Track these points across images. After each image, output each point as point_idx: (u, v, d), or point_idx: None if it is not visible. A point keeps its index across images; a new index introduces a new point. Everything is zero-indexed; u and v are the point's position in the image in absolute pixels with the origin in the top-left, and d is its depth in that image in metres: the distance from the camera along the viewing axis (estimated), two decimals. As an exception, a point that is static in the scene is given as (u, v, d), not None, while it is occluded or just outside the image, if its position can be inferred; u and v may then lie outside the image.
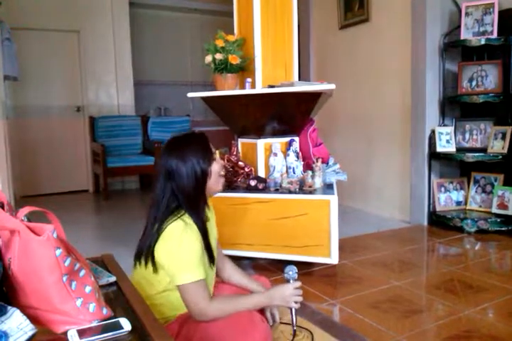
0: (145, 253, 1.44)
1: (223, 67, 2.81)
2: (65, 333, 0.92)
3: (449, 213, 3.67)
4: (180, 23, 6.72)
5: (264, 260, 2.90)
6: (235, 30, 3.05)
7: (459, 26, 3.59)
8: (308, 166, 2.99)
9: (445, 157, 3.65)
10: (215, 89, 2.91)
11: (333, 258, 2.62)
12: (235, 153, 2.96)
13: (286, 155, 2.96)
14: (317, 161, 2.88)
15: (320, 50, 5.01)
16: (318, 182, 2.82)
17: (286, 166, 2.94)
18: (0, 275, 0.93)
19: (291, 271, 1.62)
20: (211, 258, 1.52)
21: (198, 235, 1.44)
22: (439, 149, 3.65)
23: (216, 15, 6.65)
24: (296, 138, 3.04)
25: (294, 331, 1.67)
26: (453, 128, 3.72)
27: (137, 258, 1.48)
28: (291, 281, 1.61)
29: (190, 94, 2.98)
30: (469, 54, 3.71)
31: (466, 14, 3.55)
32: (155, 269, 1.43)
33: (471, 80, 3.62)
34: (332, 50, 4.81)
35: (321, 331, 2.00)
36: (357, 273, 2.76)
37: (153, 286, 1.46)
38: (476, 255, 3.13)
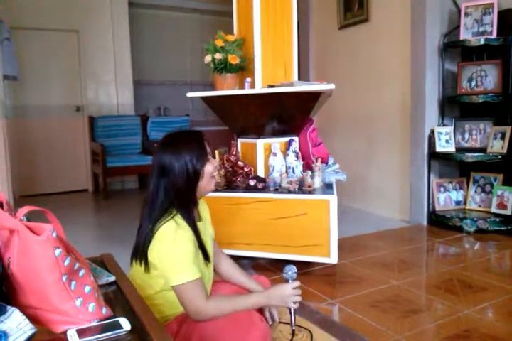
0: (139, 254, 1.44)
1: (223, 66, 2.81)
2: (65, 333, 0.92)
3: (449, 213, 3.68)
4: (180, 22, 6.72)
5: (264, 260, 2.91)
6: (235, 30, 3.05)
7: (459, 26, 3.59)
8: (307, 166, 2.99)
9: (444, 157, 3.65)
10: (214, 88, 2.91)
11: (333, 258, 2.62)
12: (234, 152, 2.96)
13: (285, 155, 2.96)
14: (316, 161, 2.88)
15: (319, 50, 5.01)
16: (317, 182, 2.82)
17: (286, 166, 2.94)
18: (-1, 274, 0.93)
19: (291, 271, 1.61)
20: (206, 257, 1.52)
21: (190, 235, 1.43)
22: (438, 149, 3.65)
23: (216, 15, 6.65)
24: (296, 138, 3.04)
25: (293, 330, 1.67)
26: (452, 128, 3.72)
27: (134, 256, 1.48)
28: (290, 281, 1.60)
29: (189, 94, 2.98)
30: (469, 54, 3.72)
31: (466, 14, 3.55)
32: (147, 269, 1.43)
33: (470, 80, 3.62)
34: (332, 50, 4.81)
35: (320, 330, 2.00)
36: (356, 272, 2.76)
37: (151, 286, 1.45)
38: (475, 255, 3.13)
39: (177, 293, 1.40)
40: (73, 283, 0.94)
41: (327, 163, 3.14)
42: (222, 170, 2.91)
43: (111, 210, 4.72)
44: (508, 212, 3.43)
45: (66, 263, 0.93)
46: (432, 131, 3.71)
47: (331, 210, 2.58)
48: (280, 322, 1.91)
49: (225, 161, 2.97)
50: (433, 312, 2.22)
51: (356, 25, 4.40)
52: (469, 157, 3.49)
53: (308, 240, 2.64)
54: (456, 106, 3.85)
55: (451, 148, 3.67)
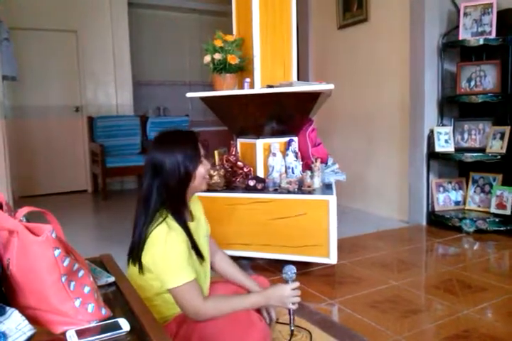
0: (133, 257, 1.44)
1: (222, 67, 2.82)
2: (64, 333, 0.92)
3: (448, 213, 3.68)
4: (179, 23, 6.72)
5: (263, 260, 2.91)
6: (234, 30, 3.05)
7: (458, 26, 3.59)
8: (307, 166, 2.99)
9: (444, 157, 3.65)
10: (213, 89, 2.91)
11: (332, 258, 2.62)
12: (233, 153, 2.96)
13: (285, 155, 2.96)
14: (316, 161, 2.88)
15: (319, 50, 5.02)
16: (317, 182, 2.82)
17: (285, 166, 2.94)
18: (-2, 275, 0.93)
19: (290, 271, 1.60)
20: (200, 256, 1.51)
21: (183, 236, 1.42)
22: (437, 149, 3.66)
23: (215, 15, 6.66)
24: (295, 138, 3.04)
25: (292, 331, 1.67)
26: (451, 128, 3.73)
27: (130, 258, 1.48)
28: (290, 282, 1.59)
29: (189, 94, 2.98)
30: (468, 54, 3.72)
31: (465, 14, 3.55)
32: (141, 272, 1.42)
33: (469, 80, 3.62)
34: (331, 50, 4.81)
35: (319, 331, 2.00)
36: (356, 273, 2.76)
37: (148, 289, 1.44)
38: (474, 255, 3.13)
39: (174, 296, 1.39)
40: (72, 283, 0.94)
41: (326, 163, 3.14)
42: (222, 170, 2.91)
43: (110, 211, 4.72)
44: (507, 212, 3.43)
45: (65, 263, 0.93)
46: (431, 131, 3.72)
47: (331, 210, 2.58)
48: (279, 323, 1.92)
49: (224, 161, 2.97)
50: (432, 312, 2.22)
51: (355, 25, 4.40)
52: (468, 157, 3.49)
53: (308, 240, 2.64)
54: (456, 106, 3.86)
55: (450, 148, 3.67)
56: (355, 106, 4.50)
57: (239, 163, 2.93)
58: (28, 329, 0.87)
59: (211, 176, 2.81)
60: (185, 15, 6.75)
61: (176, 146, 1.46)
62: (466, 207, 3.76)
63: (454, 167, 3.94)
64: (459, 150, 3.66)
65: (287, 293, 1.55)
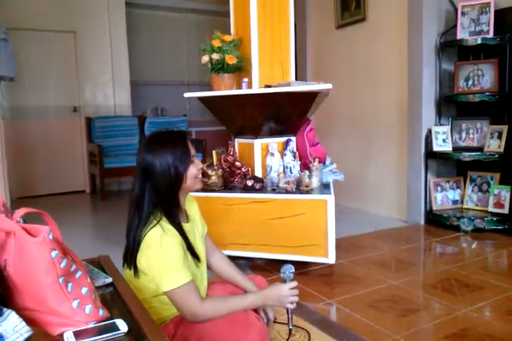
0: (128, 260, 1.43)
1: (220, 67, 2.82)
2: (61, 335, 0.92)
3: (446, 212, 3.68)
4: (177, 23, 6.72)
5: (261, 260, 2.91)
6: (232, 30, 3.04)
7: (455, 26, 3.59)
8: (305, 166, 2.99)
9: (441, 156, 3.66)
10: (211, 89, 2.91)
11: (330, 258, 2.62)
12: (231, 153, 2.96)
13: (283, 155, 2.96)
14: (314, 161, 2.88)
15: (317, 50, 5.02)
16: (315, 182, 2.82)
17: (283, 166, 2.94)
18: (-4, 277, 0.93)
19: (288, 271, 1.59)
20: (196, 257, 1.51)
21: (178, 238, 1.41)
22: (435, 148, 3.66)
23: (213, 15, 6.66)
24: (293, 138, 3.03)
25: (290, 330, 1.66)
26: (449, 127, 3.73)
27: (125, 261, 1.47)
28: (288, 281, 1.58)
29: (186, 94, 2.98)
30: (465, 53, 3.72)
31: (463, 14, 3.56)
32: (136, 275, 1.41)
33: (467, 79, 3.63)
34: (329, 49, 4.81)
35: (318, 331, 2.00)
36: (354, 272, 2.76)
37: (144, 291, 1.44)
38: (472, 254, 3.14)
39: (170, 298, 1.39)
40: (70, 284, 0.94)
41: (324, 163, 3.14)
42: (220, 170, 2.91)
43: (108, 211, 4.72)
44: (505, 211, 3.44)
45: (62, 264, 0.92)
46: (429, 131, 3.72)
47: (329, 210, 2.58)
48: (277, 323, 1.92)
49: (222, 161, 2.97)
50: (430, 311, 2.22)
51: (353, 24, 4.40)
52: (466, 156, 3.49)
53: (306, 240, 2.64)
54: (453, 106, 3.86)
55: (448, 148, 3.67)
56: (353, 106, 4.50)
57: (237, 163, 2.93)
58: (25, 330, 0.87)
59: (209, 176, 2.81)
60: (182, 15, 6.75)
61: (166, 148, 1.45)
62: (464, 206, 3.77)
63: (451, 166, 3.94)
64: (457, 149, 3.67)
65: (285, 292, 1.54)
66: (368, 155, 4.37)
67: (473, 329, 2.01)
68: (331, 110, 4.59)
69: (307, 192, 2.71)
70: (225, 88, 2.86)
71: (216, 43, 2.81)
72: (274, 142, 2.95)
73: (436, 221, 3.68)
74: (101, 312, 0.98)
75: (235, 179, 2.93)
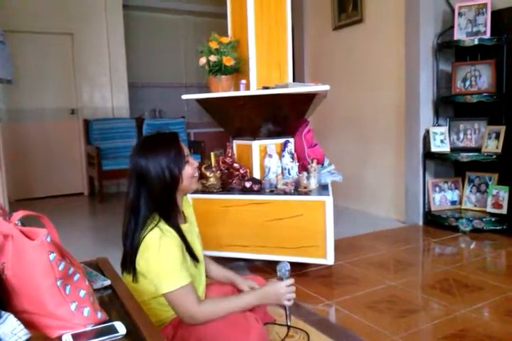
0: (127, 264, 1.43)
1: (217, 68, 2.82)
2: (60, 338, 0.92)
3: (444, 213, 3.69)
4: (175, 24, 6.72)
5: (260, 261, 2.91)
6: (229, 32, 3.05)
7: (453, 26, 3.60)
8: (303, 167, 2.99)
9: (439, 157, 3.66)
10: (209, 90, 2.91)
11: (329, 259, 2.62)
12: (230, 154, 2.96)
13: (281, 156, 2.96)
14: (312, 162, 2.88)
15: (314, 51, 5.02)
16: (313, 183, 2.82)
17: (282, 167, 2.94)
18: (-6, 280, 0.93)
19: (284, 269, 1.60)
20: (195, 258, 1.51)
21: (177, 240, 1.41)
22: (433, 149, 3.66)
23: (210, 17, 6.66)
24: (291, 140, 3.04)
25: (288, 327, 1.67)
26: (447, 128, 3.74)
27: (124, 266, 1.47)
28: (284, 279, 1.59)
29: (184, 96, 2.98)
30: (463, 54, 3.73)
31: (459, 14, 3.57)
32: (135, 279, 1.41)
33: (464, 80, 3.63)
34: (326, 51, 4.82)
35: (317, 332, 2.00)
36: (353, 273, 2.76)
37: (143, 294, 1.43)
38: (471, 254, 3.14)
39: (169, 300, 1.39)
40: (68, 287, 0.94)
41: (323, 164, 3.15)
42: (218, 172, 2.91)
43: (106, 213, 4.71)
44: (503, 212, 3.44)
45: (61, 267, 0.92)
46: (427, 131, 3.72)
47: (327, 211, 2.58)
48: (276, 324, 1.92)
49: (220, 163, 2.97)
50: (429, 312, 2.22)
51: (350, 26, 4.41)
52: (464, 157, 3.50)
53: (305, 241, 2.64)
54: (451, 106, 3.87)
55: (446, 148, 3.68)
56: (350, 107, 4.51)
57: (235, 165, 2.93)
58: (23, 333, 0.87)
59: (207, 178, 2.81)
60: (180, 17, 6.75)
61: (158, 151, 1.44)
62: (463, 207, 3.77)
63: (449, 167, 3.95)
64: (455, 150, 3.67)
65: (283, 290, 1.54)
66: (366, 156, 4.37)
67: (471, 330, 2.01)
68: (329, 111, 4.60)
69: (305, 194, 2.71)
70: (222, 90, 2.86)
71: (213, 45, 2.81)
72: (272, 143, 2.95)
73: (435, 221, 3.68)
74: (99, 314, 0.98)
75: (233, 180, 2.93)
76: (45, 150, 5.48)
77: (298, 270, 2.70)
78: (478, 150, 3.57)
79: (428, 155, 3.73)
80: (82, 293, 0.96)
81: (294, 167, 2.96)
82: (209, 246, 2.64)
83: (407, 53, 3.79)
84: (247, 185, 2.78)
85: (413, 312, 2.21)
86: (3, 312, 0.89)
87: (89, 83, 5.70)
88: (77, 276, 0.97)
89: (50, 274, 0.91)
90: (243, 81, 2.87)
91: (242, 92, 2.81)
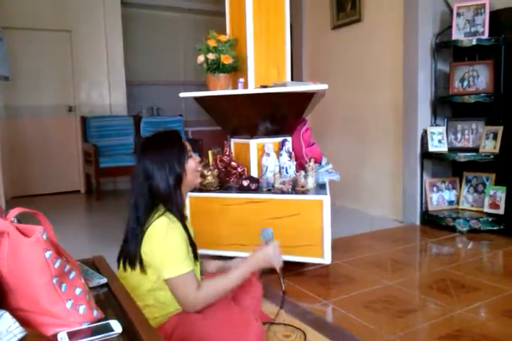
0: (133, 256, 1.43)
1: (216, 67, 2.81)
2: (55, 335, 0.91)
3: (442, 212, 3.69)
4: (173, 22, 6.71)
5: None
6: (227, 30, 3.04)
7: (451, 26, 3.60)
8: (300, 166, 2.99)
9: (437, 157, 3.67)
10: (207, 89, 2.90)
11: (326, 259, 2.62)
12: (227, 153, 2.95)
13: (278, 155, 2.95)
14: (310, 161, 2.88)
15: (312, 50, 5.02)
16: (310, 182, 2.82)
17: (279, 166, 2.94)
18: (-11, 277, 0.92)
19: (267, 233, 1.72)
20: (195, 256, 1.52)
21: (182, 231, 1.45)
22: (431, 149, 3.67)
23: (209, 15, 6.64)
24: (289, 138, 3.03)
25: (283, 292, 1.76)
26: (445, 128, 3.74)
27: (123, 260, 1.47)
28: (270, 242, 1.68)
29: (182, 94, 2.97)
30: (461, 54, 3.73)
31: (458, 15, 3.57)
32: (142, 270, 1.42)
33: (462, 80, 3.64)
34: (324, 50, 4.81)
35: (313, 331, 2.00)
36: (350, 273, 2.76)
37: (141, 284, 1.44)
38: (468, 254, 3.14)
39: (170, 286, 1.41)
40: (64, 285, 0.93)
41: (320, 163, 3.15)
42: (216, 170, 2.90)
43: (103, 211, 4.70)
44: (500, 212, 3.45)
45: (56, 265, 0.92)
46: (425, 131, 3.73)
47: (325, 210, 2.58)
48: (274, 323, 1.93)
49: (218, 161, 2.96)
50: (426, 312, 2.23)
51: (349, 25, 4.41)
52: (462, 157, 3.50)
53: (302, 240, 2.64)
54: (449, 106, 3.87)
55: (443, 148, 3.68)
56: (348, 107, 4.50)
57: (233, 163, 2.92)
58: (18, 331, 0.87)
59: (205, 176, 2.80)
60: (178, 14, 6.73)
61: (162, 146, 1.49)
62: (460, 207, 3.78)
63: (447, 167, 3.95)
64: (453, 150, 3.68)
65: (271, 251, 1.63)
66: (364, 155, 4.37)
67: (468, 330, 2.01)
68: (327, 110, 4.60)
69: (303, 193, 2.71)
70: (220, 88, 2.85)
71: (212, 43, 2.80)
72: (270, 142, 2.95)
73: (432, 221, 3.69)
74: (95, 312, 0.97)
75: (230, 179, 2.92)
76: (42, 147, 5.46)
77: (295, 269, 2.70)
78: (475, 150, 3.57)
79: (426, 155, 3.73)
80: (78, 290, 0.96)
81: (291, 166, 2.96)
82: (207, 245, 2.64)
83: (405, 53, 3.79)
84: (245, 183, 2.77)
85: (410, 312, 2.21)
86: (-2, 309, 0.89)
87: (86, 80, 5.69)
88: (73, 274, 0.97)
89: (45, 272, 0.90)
90: (241, 79, 2.87)
91: (240, 91, 2.80)
